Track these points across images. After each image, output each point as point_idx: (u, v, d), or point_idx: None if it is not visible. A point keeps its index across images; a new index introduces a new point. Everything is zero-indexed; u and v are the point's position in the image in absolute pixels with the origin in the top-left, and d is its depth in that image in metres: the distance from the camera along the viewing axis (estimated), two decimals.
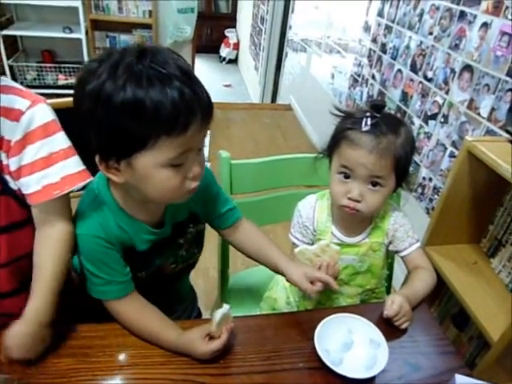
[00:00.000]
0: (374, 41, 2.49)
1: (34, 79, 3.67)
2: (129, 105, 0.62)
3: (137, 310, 0.80)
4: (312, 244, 1.00)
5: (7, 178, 0.74)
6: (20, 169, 0.73)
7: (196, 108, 0.66)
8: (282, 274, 0.92)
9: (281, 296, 1.11)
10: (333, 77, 3.21)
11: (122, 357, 0.77)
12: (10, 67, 3.46)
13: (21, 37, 3.67)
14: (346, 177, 0.90)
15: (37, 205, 0.76)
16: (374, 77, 2.50)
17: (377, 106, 0.88)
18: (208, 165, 3.07)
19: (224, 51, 6.97)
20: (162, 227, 0.85)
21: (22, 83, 3.60)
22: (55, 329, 0.75)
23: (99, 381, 0.72)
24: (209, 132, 3.72)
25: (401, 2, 2.17)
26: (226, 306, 0.74)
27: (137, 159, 0.68)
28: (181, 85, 0.64)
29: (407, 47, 2.11)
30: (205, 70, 6.21)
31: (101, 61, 0.65)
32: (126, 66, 0.63)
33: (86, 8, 3.60)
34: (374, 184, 0.89)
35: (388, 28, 2.32)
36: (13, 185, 0.75)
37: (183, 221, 0.90)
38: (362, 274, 1.02)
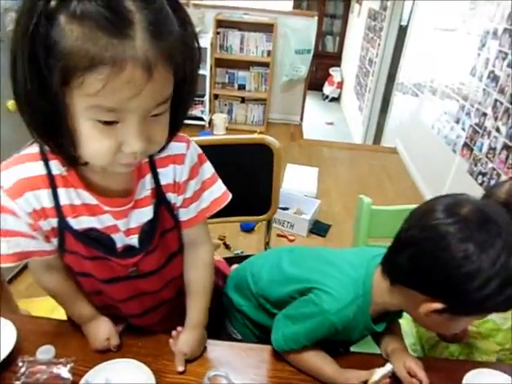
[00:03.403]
0: (502, 92, 2.42)
1: None
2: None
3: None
4: None
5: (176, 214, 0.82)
6: (183, 202, 0.80)
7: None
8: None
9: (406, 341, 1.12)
10: (448, 124, 3.15)
11: None
12: None
13: None
14: None
15: (188, 230, 0.85)
16: (498, 129, 2.43)
17: None
18: (317, 202, 3.12)
19: (327, 89, 7.14)
20: None
21: None
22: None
23: None
24: (317, 169, 3.81)
25: None
26: (389, 367, 0.77)
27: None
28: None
29: None
30: (308, 107, 6.40)
31: None
32: None
33: (213, 48, 4.00)
34: None
35: None
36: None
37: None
38: (504, 332, 1.00)
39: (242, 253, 2.35)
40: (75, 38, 0.48)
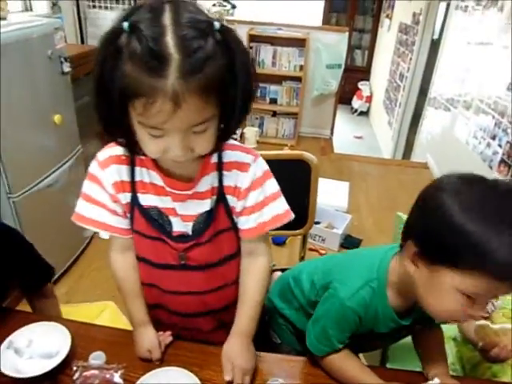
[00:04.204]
0: None
1: None
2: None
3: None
4: None
5: (234, 217, 0.89)
6: (243, 210, 0.86)
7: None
8: None
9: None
10: (483, 140, 3.09)
11: None
12: None
13: None
14: None
15: (247, 239, 0.90)
16: None
17: None
18: (348, 216, 3.12)
19: (356, 103, 7.13)
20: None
21: None
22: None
23: None
24: (347, 184, 3.80)
25: None
26: (437, 381, 0.79)
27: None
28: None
29: None
30: (337, 121, 6.39)
31: None
32: None
33: None
34: None
35: None
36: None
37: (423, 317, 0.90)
38: None
39: (273, 266, 2.35)
40: (127, 71, 0.61)
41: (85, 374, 0.83)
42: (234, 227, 0.89)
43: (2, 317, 0.97)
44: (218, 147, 0.79)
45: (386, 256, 0.86)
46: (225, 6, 4.26)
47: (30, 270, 1.07)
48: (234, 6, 4.38)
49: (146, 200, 0.84)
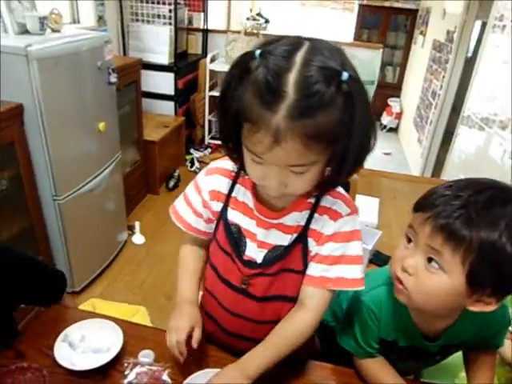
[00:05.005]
0: None
1: None
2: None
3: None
4: None
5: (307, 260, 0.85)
6: (315, 255, 0.83)
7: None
8: None
9: None
10: None
11: None
12: (210, 121, 4.09)
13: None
14: None
15: (306, 286, 0.85)
16: None
17: None
18: (378, 233, 3.07)
19: (385, 119, 7.09)
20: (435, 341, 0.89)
21: (216, 133, 4.22)
22: None
23: None
24: (377, 200, 3.76)
25: None
26: None
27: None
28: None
29: None
30: None
31: None
32: None
33: None
34: None
35: None
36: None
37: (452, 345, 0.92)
38: None
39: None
40: (245, 95, 0.64)
41: (135, 370, 0.88)
42: (304, 272, 0.85)
43: (58, 313, 1.03)
44: (322, 192, 0.80)
45: None
46: (258, 20, 4.34)
47: (40, 287, 1.00)
48: (267, 21, 4.46)
49: (233, 216, 0.88)
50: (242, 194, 0.87)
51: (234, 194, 0.88)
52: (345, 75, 0.61)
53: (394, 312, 0.86)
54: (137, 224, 2.77)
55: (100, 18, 3.04)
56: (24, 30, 1.82)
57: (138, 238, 2.74)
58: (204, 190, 0.91)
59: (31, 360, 0.85)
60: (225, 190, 0.89)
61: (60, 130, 1.86)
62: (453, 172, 4.41)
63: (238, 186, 0.88)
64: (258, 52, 0.64)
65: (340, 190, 0.84)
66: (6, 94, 1.68)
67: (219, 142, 4.09)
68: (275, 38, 0.67)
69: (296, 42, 0.64)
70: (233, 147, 0.76)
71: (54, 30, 1.93)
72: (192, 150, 3.95)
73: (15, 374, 0.78)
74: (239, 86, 0.65)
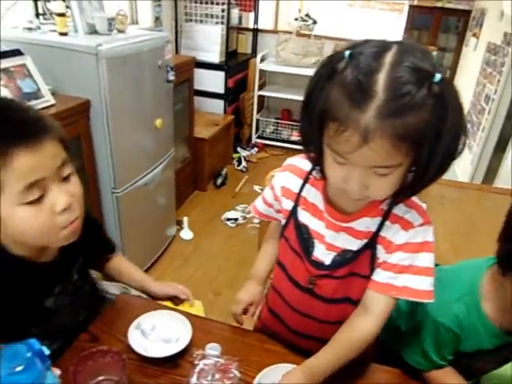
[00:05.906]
0: None
1: (272, 132, 4.30)
2: None
3: None
4: None
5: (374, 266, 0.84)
6: (383, 262, 0.82)
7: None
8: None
9: None
10: None
11: None
12: (257, 120, 4.12)
13: (268, 96, 4.36)
14: None
15: (371, 291, 0.84)
16: None
17: None
18: None
19: None
20: None
21: (262, 133, 4.24)
22: None
23: None
24: (424, 206, 3.70)
25: None
26: None
27: None
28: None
29: None
30: None
31: None
32: None
33: None
34: None
35: None
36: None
37: None
38: None
39: None
40: (332, 94, 0.65)
41: (203, 361, 0.91)
42: (370, 276, 0.85)
43: (130, 303, 1.09)
44: (399, 200, 0.78)
45: (478, 270, 0.86)
46: (306, 20, 4.33)
47: (97, 244, 1.07)
48: (314, 22, 4.44)
49: (302, 216, 0.89)
50: (313, 194, 0.88)
51: (303, 194, 0.89)
52: (437, 77, 0.61)
53: (475, 326, 0.85)
54: (185, 219, 2.83)
55: (157, 19, 3.13)
56: (93, 31, 1.91)
57: (187, 234, 2.80)
58: (276, 184, 0.95)
59: (105, 344, 0.89)
60: (295, 190, 0.90)
61: (122, 126, 1.94)
62: (507, 179, 4.23)
63: (308, 186, 0.89)
64: (347, 53, 0.64)
65: (415, 198, 0.82)
66: (75, 90, 1.78)
67: (266, 142, 4.14)
68: (364, 40, 0.68)
69: (384, 45, 0.65)
70: (312, 147, 0.76)
71: (119, 31, 2.00)
72: (239, 149, 4.00)
73: (96, 357, 0.83)
74: (326, 85, 0.65)
